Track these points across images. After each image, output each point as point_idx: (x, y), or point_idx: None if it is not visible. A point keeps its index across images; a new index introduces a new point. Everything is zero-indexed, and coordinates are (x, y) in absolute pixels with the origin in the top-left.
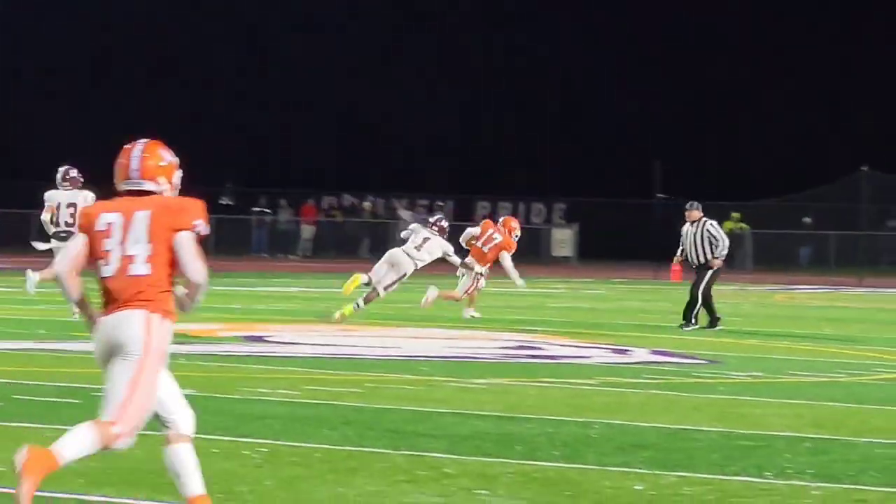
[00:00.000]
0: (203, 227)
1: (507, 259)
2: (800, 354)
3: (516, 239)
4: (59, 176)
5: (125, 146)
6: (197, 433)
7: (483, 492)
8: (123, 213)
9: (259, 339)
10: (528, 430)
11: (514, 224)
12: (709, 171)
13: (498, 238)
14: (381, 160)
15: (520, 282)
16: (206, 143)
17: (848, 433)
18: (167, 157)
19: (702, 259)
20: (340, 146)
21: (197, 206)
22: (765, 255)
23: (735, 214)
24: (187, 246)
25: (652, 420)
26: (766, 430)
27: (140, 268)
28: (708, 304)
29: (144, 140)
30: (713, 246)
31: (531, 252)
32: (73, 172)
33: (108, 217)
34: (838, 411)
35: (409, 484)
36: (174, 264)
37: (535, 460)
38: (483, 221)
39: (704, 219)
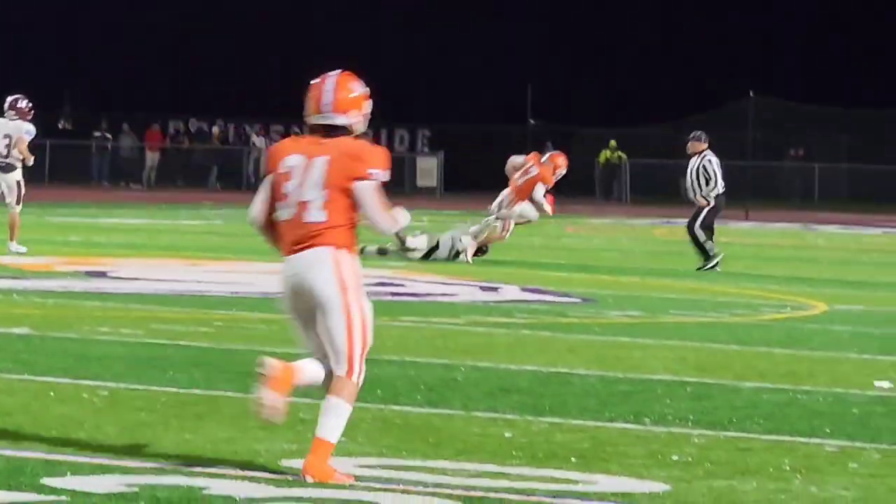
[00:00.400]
0: (382, 174)
1: (539, 191)
2: (681, 293)
3: (558, 177)
4: (6, 104)
5: (315, 80)
6: (33, 375)
7: (341, 438)
8: (306, 156)
9: (100, 275)
10: (388, 373)
11: (561, 161)
12: (585, 96)
13: (534, 171)
14: (232, 82)
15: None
16: (39, 61)
17: (732, 377)
18: (358, 88)
19: (697, 195)
20: (188, 66)
21: (377, 154)
22: (644, 187)
23: (612, 143)
24: (368, 197)
25: (523, 363)
26: (644, 373)
27: (316, 214)
28: (697, 242)
29: (336, 72)
30: (707, 182)
31: (393, 182)
32: (22, 103)
33: (292, 160)
34: (722, 354)
35: (261, 430)
36: (355, 208)
37: (397, 405)
38: (532, 153)
39: (706, 153)
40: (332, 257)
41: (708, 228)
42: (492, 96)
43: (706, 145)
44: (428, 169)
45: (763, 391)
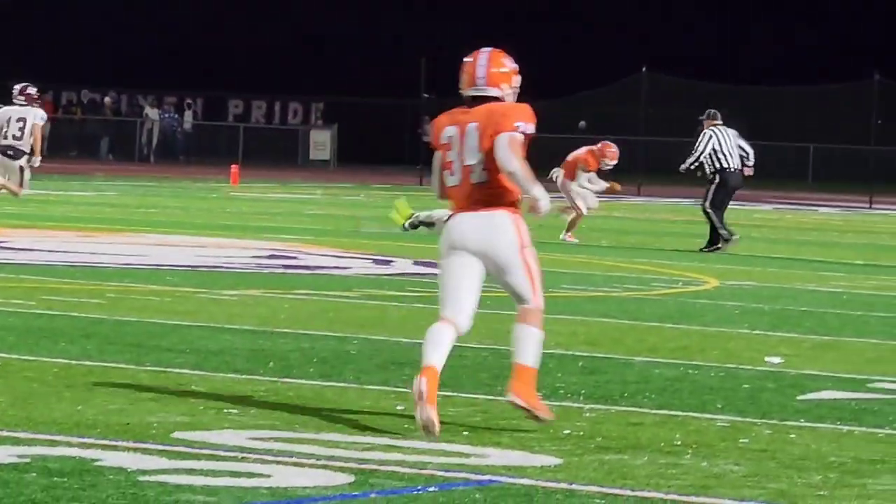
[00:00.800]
0: (526, 127)
1: (581, 177)
2: (573, 267)
3: (604, 167)
4: (15, 91)
5: (468, 56)
6: None
7: (233, 411)
8: (458, 126)
9: None
10: (281, 346)
11: (609, 153)
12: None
13: (580, 151)
14: (125, 52)
15: (582, 202)
16: None
17: (624, 352)
18: (508, 64)
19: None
20: (81, 36)
21: (521, 110)
22: (536, 162)
23: None
24: (501, 142)
25: (415, 336)
26: None
27: (480, 175)
28: (711, 221)
29: (488, 49)
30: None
31: (287, 155)
32: (32, 90)
33: (449, 131)
34: (614, 328)
35: (153, 402)
36: None
37: (290, 377)
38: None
39: (705, 130)
40: (513, 222)
41: (718, 206)
42: (386, 70)
43: (714, 121)
44: (321, 142)
45: (654, 366)
